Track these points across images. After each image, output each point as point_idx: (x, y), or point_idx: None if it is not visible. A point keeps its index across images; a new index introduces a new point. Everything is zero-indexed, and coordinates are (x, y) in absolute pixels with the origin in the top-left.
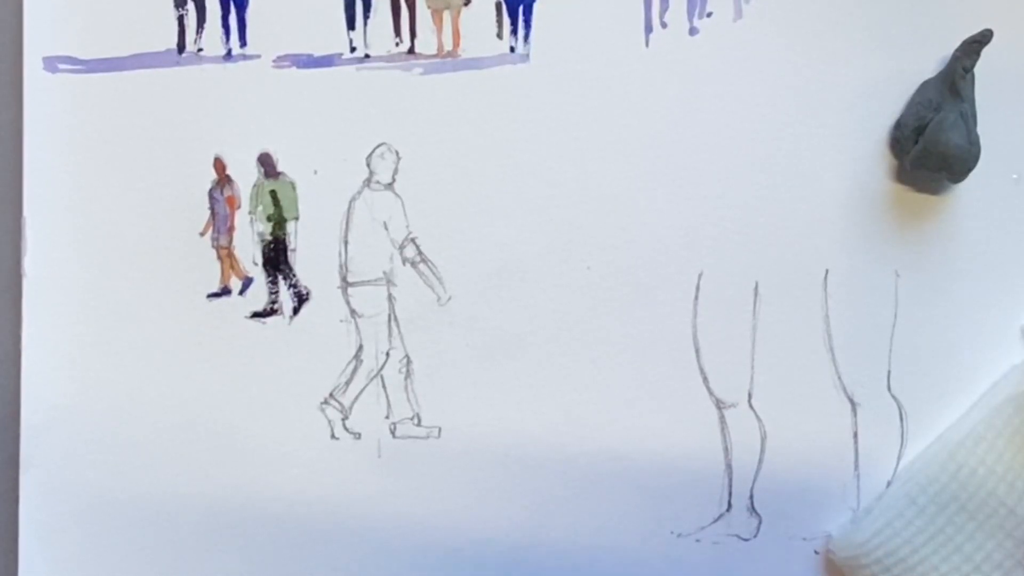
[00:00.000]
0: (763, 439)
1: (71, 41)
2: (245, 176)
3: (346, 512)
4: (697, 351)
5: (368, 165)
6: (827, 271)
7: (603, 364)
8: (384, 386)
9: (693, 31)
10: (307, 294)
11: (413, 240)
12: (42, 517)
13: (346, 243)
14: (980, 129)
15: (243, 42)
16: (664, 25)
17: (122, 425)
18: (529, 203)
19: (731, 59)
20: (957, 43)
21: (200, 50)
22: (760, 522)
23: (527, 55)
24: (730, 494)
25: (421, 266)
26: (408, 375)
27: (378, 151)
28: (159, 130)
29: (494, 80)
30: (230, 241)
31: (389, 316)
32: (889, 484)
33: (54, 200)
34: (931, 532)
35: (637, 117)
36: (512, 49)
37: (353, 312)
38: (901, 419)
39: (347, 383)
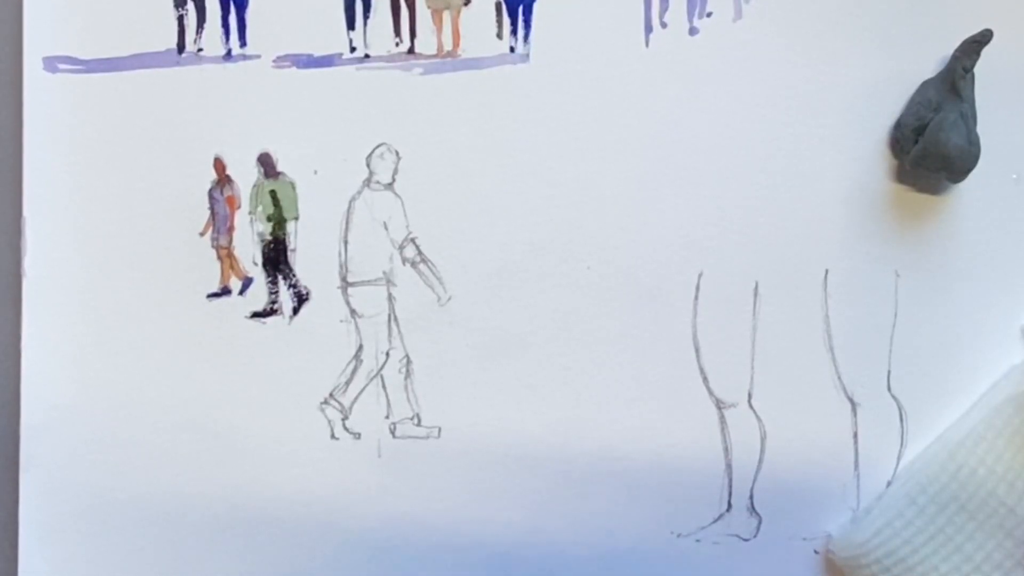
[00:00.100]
0: (763, 439)
1: (71, 41)
2: (245, 176)
3: (346, 512)
4: (697, 351)
5: (368, 165)
6: (827, 271)
7: (603, 364)
8: (384, 386)
9: (693, 31)
10: (307, 294)
11: (413, 240)
12: (42, 517)
13: (346, 243)
14: (980, 129)
15: (243, 42)
16: (664, 25)
17: (122, 425)
18: (529, 203)
19: (731, 59)
20: (957, 43)
21: (200, 50)
22: (760, 522)
23: (527, 55)
24: (730, 494)
25: (421, 266)
26: (408, 375)
27: (378, 151)
28: (159, 130)
29: (494, 80)
30: (230, 241)
31: (389, 316)
32: (889, 484)
33: (54, 200)
34: (931, 532)
35: (637, 117)
36: (512, 49)
37: (353, 312)
38: (901, 419)
39: (347, 383)
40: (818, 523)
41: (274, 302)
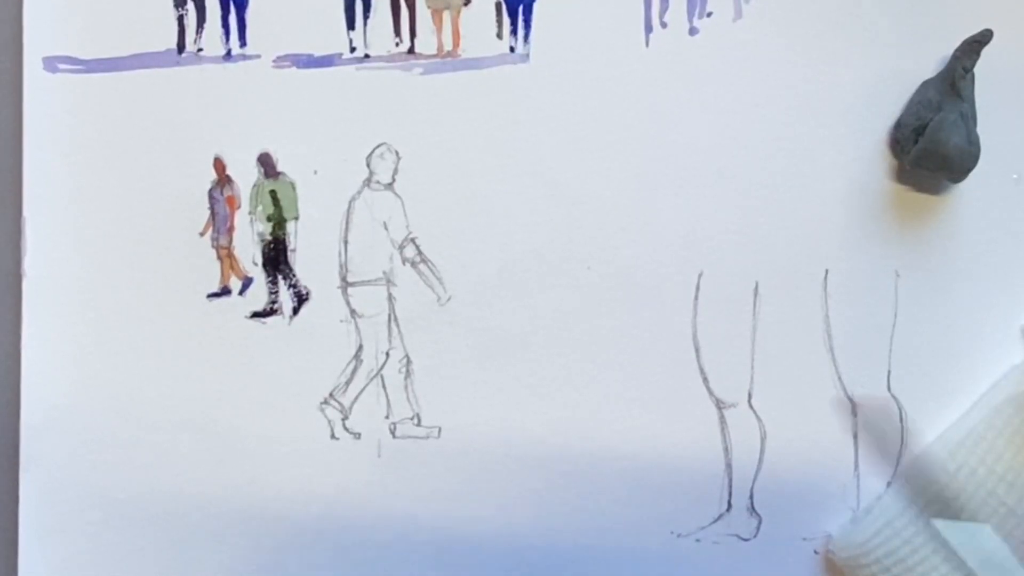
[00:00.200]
0: (763, 439)
1: (71, 41)
2: (245, 176)
3: (346, 512)
4: (697, 351)
5: (368, 165)
6: (827, 271)
7: (603, 364)
8: (384, 386)
9: (693, 31)
10: (307, 294)
11: (413, 240)
12: (42, 517)
13: (346, 243)
14: (980, 129)
15: (243, 42)
16: (664, 25)
17: (122, 425)
18: (529, 203)
19: (731, 59)
20: (957, 43)
21: (200, 50)
22: (760, 522)
23: (527, 55)
24: (730, 494)
25: (421, 266)
26: (408, 375)
27: (378, 151)
28: (159, 130)
29: (494, 80)
30: (230, 241)
31: (389, 316)
32: (889, 484)
33: (54, 200)
34: (931, 532)
35: (637, 117)
36: (512, 49)
37: (353, 312)
38: (901, 419)
39: (347, 383)
40: (818, 523)
41: (274, 302)
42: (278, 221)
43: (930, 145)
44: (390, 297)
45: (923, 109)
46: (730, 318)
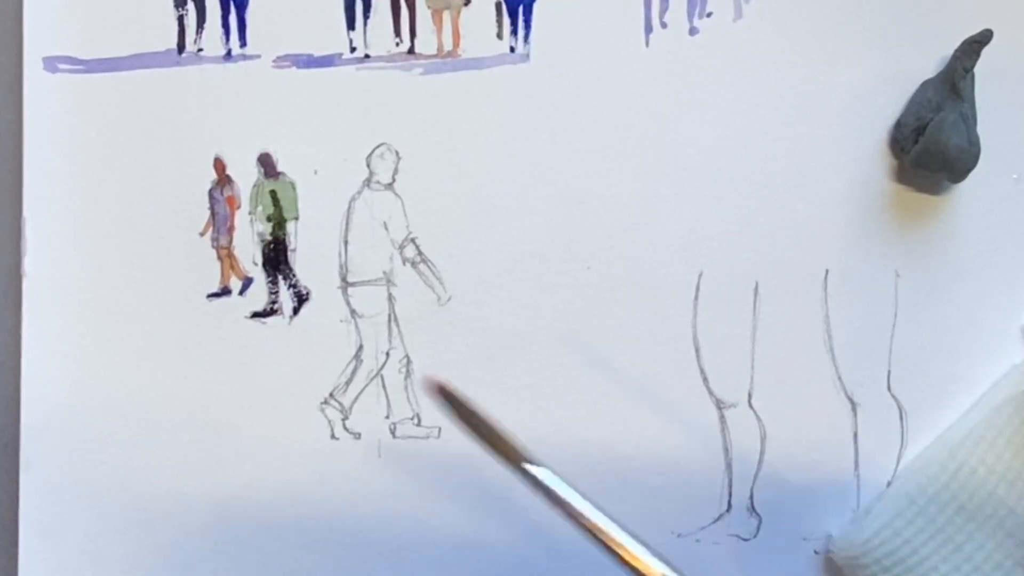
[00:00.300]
0: (763, 439)
1: (71, 41)
2: (245, 176)
3: (346, 512)
4: (697, 351)
5: (368, 165)
6: (827, 271)
7: (603, 364)
8: (384, 386)
9: (693, 31)
10: (307, 294)
11: (413, 240)
12: (42, 517)
13: (346, 243)
14: (980, 129)
15: (243, 42)
16: (664, 25)
17: (122, 425)
18: (529, 203)
19: (731, 59)
20: (957, 43)
21: (200, 50)
22: (760, 522)
23: (527, 55)
24: (730, 494)
25: (421, 266)
26: (408, 375)
27: (378, 151)
28: (159, 130)
29: (494, 80)
30: (230, 241)
31: (389, 316)
32: (889, 484)
33: (54, 200)
34: (931, 532)
35: (637, 117)
36: (512, 49)
37: (353, 312)
38: (901, 419)
39: (347, 383)
40: (818, 523)
41: (274, 302)
42: (278, 221)
43: (930, 145)
44: (390, 297)
45: (923, 109)
46: (730, 318)
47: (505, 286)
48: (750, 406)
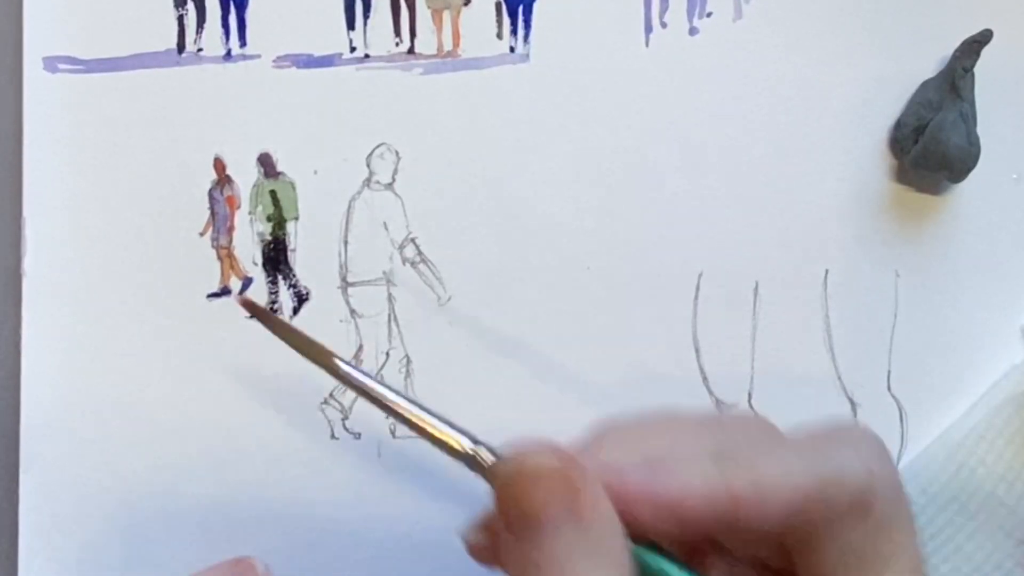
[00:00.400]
0: None
1: (71, 41)
2: (245, 176)
3: (346, 512)
4: (697, 351)
5: (368, 165)
6: (827, 271)
7: (603, 364)
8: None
9: (693, 31)
10: (307, 294)
11: (413, 240)
12: (42, 517)
13: (346, 243)
14: (980, 129)
15: (243, 42)
16: (664, 25)
17: (122, 425)
18: (529, 203)
19: (731, 59)
20: (957, 43)
21: (200, 50)
22: None
23: (527, 55)
24: None
25: (421, 266)
26: (408, 375)
27: (378, 151)
28: (159, 130)
29: (494, 80)
30: (230, 241)
31: (389, 316)
32: None
33: (54, 200)
34: (931, 532)
35: (637, 117)
36: (512, 49)
37: (353, 312)
38: (901, 419)
39: None
40: None
41: (274, 302)
42: (278, 221)
43: (930, 145)
44: (390, 297)
45: (923, 109)
46: (730, 318)
47: (505, 286)
48: (750, 406)
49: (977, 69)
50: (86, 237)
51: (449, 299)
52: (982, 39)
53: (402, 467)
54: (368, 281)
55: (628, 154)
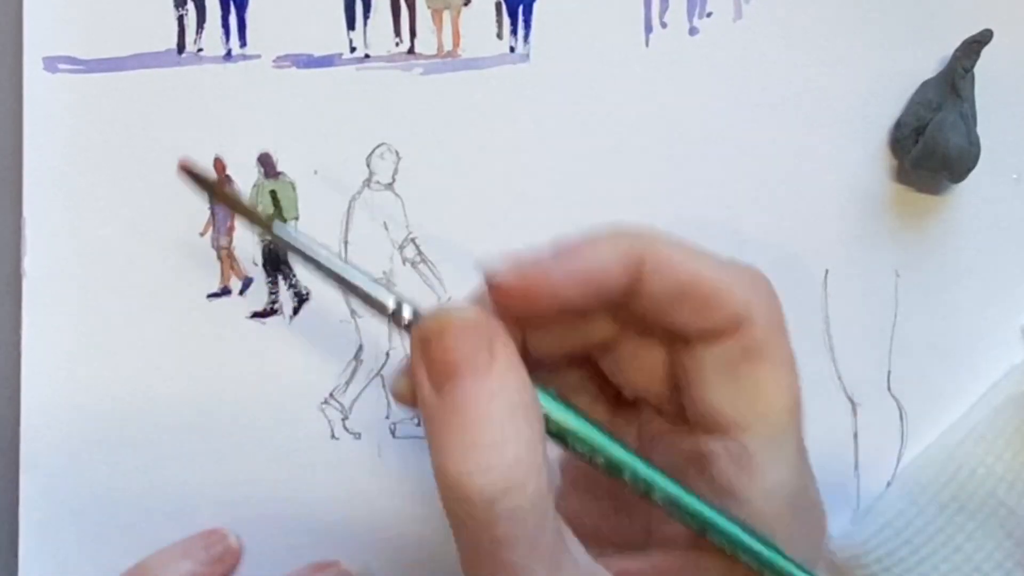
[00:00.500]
0: None
1: (71, 41)
2: (245, 176)
3: (346, 512)
4: None
5: (368, 165)
6: (827, 271)
7: None
8: (384, 386)
9: (693, 31)
10: (307, 294)
11: (413, 240)
12: (42, 517)
13: (346, 243)
14: (980, 129)
15: (243, 42)
16: (664, 25)
17: (122, 425)
18: (529, 203)
19: (731, 59)
20: (957, 43)
21: (200, 50)
22: None
23: (527, 55)
24: None
25: (421, 266)
26: None
27: (378, 151)
28: (159, 130)
29: (494, 80)
30: (230, 241)
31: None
32: (889, 484)
33: (54, 200)
34: (931, 532)
35: (637, 117)
36: (512, 49)
37: (353, 312)
38: (901, 419)
39: (347, 383)
40: None
41: (274, 302)
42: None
43: (930, 145)
44: None
45: (923, 109)
46: None
47: None
48: None
49: (977, 69)
50: (86, 237)
51: (449, 299)
52: (982, 39)
53: (402, 467)
54: None
55: (627, 154)
